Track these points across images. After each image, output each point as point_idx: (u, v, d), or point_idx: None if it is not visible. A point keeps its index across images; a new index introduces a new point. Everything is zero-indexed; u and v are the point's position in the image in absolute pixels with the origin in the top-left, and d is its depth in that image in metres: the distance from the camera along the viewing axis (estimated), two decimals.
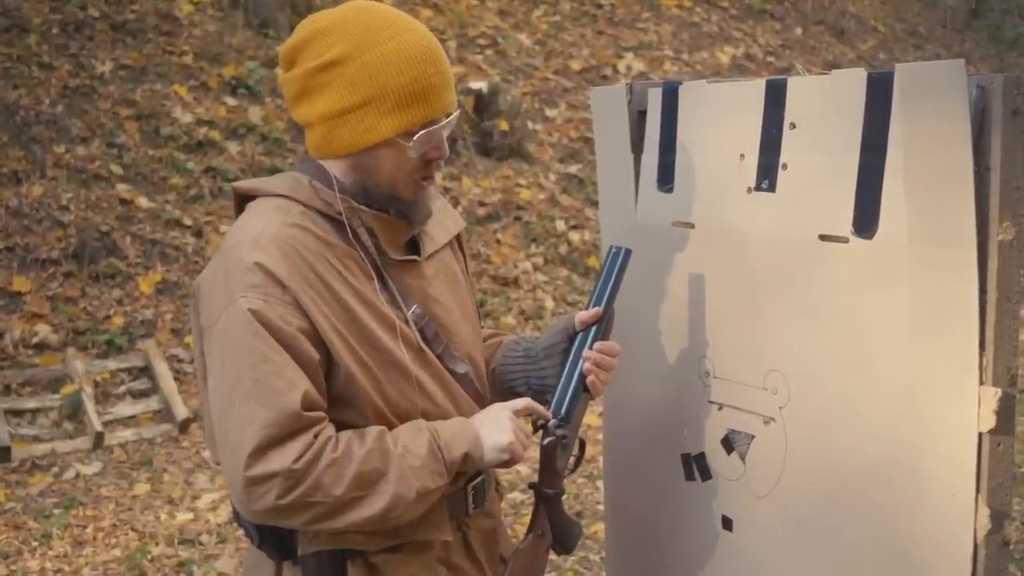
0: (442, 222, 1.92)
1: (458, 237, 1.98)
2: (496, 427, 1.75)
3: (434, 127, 1.71)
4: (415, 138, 1.70)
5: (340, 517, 1.62)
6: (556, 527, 1.90)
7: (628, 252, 1.96)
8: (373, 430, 1.67)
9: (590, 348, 1.90)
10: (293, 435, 1.59)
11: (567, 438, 1.88)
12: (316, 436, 1.61)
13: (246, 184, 1.82)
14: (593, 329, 1.91)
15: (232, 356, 1.62)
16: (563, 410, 1.88)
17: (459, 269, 1.96)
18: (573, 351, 1.91)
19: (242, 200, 1.81)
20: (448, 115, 1.73)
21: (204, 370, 1.72)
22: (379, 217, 1.74)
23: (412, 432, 1.69)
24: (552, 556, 1.91)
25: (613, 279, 1.95)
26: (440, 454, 1.68)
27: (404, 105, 1.68)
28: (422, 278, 1.81)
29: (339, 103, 1.68)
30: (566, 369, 1.90)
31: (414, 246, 1.83)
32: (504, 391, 1.98)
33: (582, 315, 1.93)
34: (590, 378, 1.89)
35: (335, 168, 1.75)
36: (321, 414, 1.64)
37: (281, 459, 1.57)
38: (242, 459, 1.58)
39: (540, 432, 1.87)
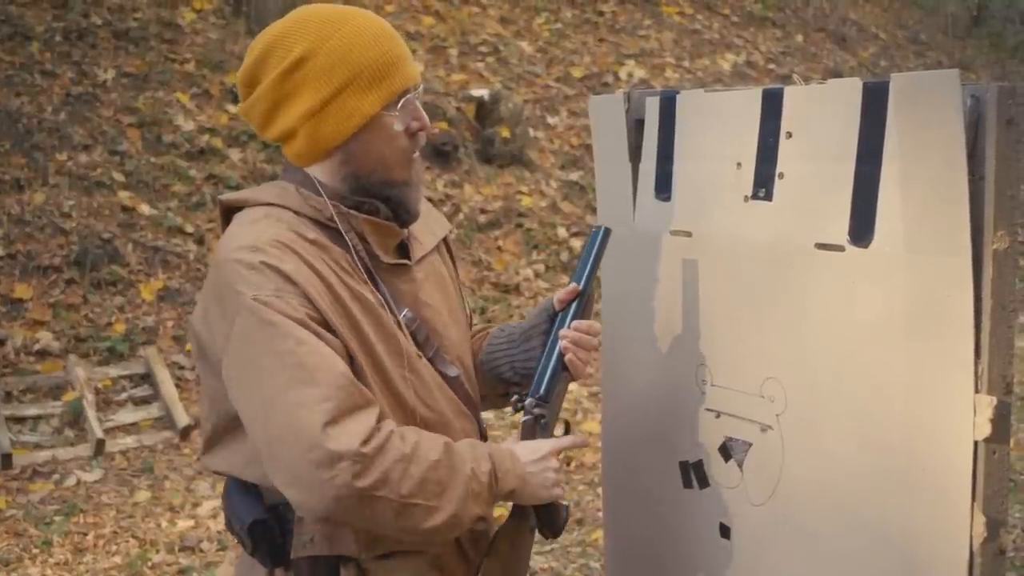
0: (429, 226, 1.93)
1: (445, 240, 1.99)
2: (542, 481, 1.77)
3: (410, 96, 1.75)
4: (398, 107, 1.73)
5: (400, 520, 1.59)
6: (540, 509, 1.86)
7: (607, 231, 1.97)
8: (439, 439, 1.66)
9: (568, 327, 1.89)
10: (351, 411, 1.55)
11: (545, 418, 1.86)
12: (379, 423, 1.58)
13: (233, 196, 1.82)
14: (572, 308, 1.90)
15: (262, 352, 1.59)
16: (542, 389, 1.86)
17: (447, 272, 1.97)
18: (553, 331, 1.90)
19: (229, 212, 1.80)
20: (417, 86, 1.77)
21: (210, 385, 1.72)
22: (370, 221, 1.75)
23: (476, 454, 1.68)
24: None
25: (592, 257, 1.95)
26: (495, 485, 1.69)
27: (379, 78, 1.71)
28: (412, 282, 1.82)
29: (317, 96, 1.69)
30: (546, 349, 1.89)
31: (403, 251, 1.84)
32: (491, 378, 1.99)
33: (560, 293, 1.92)
34: (568, 356, 1.87)
35: (321, 172, 1.76)
36: (371, 394, 1.62)
37: (347, 439, 1.52)
38: (304, 445, 1.53)
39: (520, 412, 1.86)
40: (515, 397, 1.88)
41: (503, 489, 1.70)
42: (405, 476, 1.57)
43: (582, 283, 1.92)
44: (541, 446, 1.80)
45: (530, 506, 1.84)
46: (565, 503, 1.91)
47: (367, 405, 1.59)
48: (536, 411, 1.85)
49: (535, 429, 1.84)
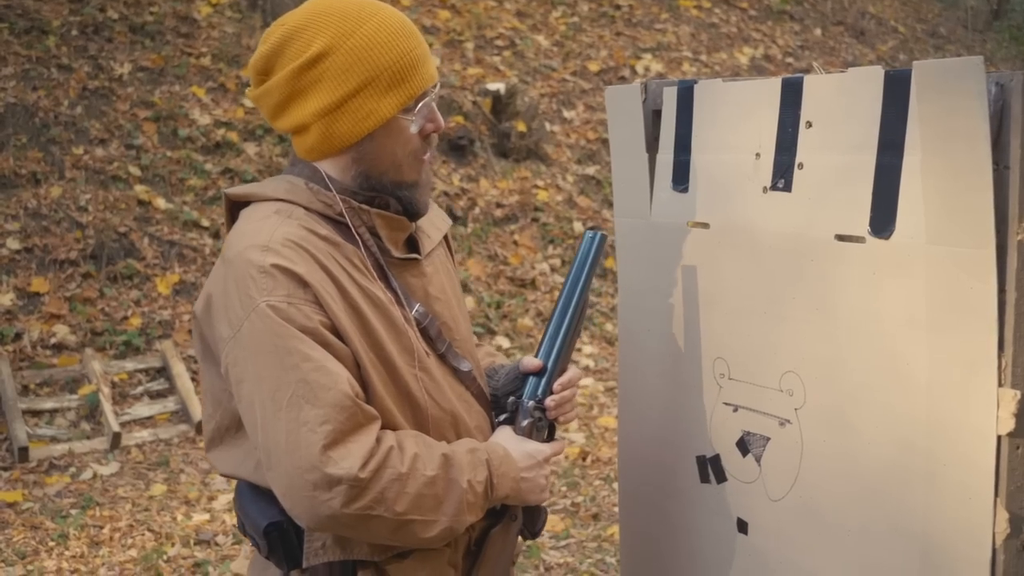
0: (433, 221, 1.92)
1: (445, 236, 1.98)
2: (534, 486, 1.78)
3: (427, 98, 1.73)
4: (415, 112, 1.71)
5: (397, 534, 1.62)
6: (526, 511, 1.90)
7: (603, 237, 1.96)
8: (436, 451, 1.66)
9: (545, 391, 1.86)
10: (351, 432, 1.56)
11: (543, 421, 1.86)
12: (379, 442, 1.59)
13: (240, 190, 1.78)
14: (544, 380, 1.88)
15: (268, 361, 1.58)
16: (539, 391, 1.86)
17: (451, 267, 1.96)
18: (552, 328, 1.90)
19: (234, 207, 1.78)
20: (434, 86, 1.75)
21: (214, 384, 1.70)
22: (380, 215, 1.73)
23: (473, 463, 1.69)
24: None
25: (588, 266, 1.93)
26: (490, 493, 1.70)
27: (398, 81, 1.68)
28: (423, 276, 1.80)
29: (334, 95, 1.67)
30: (540, 348, 1.89)
31: (412, 245, 1.82)
32: None
33: (527, 364, 1.89)
34: (559, 419, 1.89)
35: (330, 167, 1.73)
36: (373, 410, 1.62)
37: (347, 463, 1.54)
38: (302, 464, 1.54)
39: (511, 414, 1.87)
40: (511, 399, 1.87)
41: (498, 496, 1.72)
42: (401, 495, 1.59)
43: (550, 359, 1.88)
44: (539, 451, 1.81)
45: (519, 508, 1.87)
46: (545, 508, 1.96)
47: (368, 423, 1.60)
48: (536, 414, 1.85)
49: (532, 431, 1.84)
